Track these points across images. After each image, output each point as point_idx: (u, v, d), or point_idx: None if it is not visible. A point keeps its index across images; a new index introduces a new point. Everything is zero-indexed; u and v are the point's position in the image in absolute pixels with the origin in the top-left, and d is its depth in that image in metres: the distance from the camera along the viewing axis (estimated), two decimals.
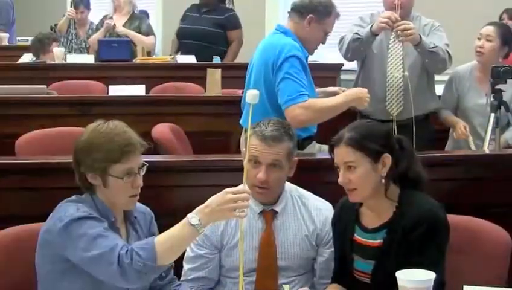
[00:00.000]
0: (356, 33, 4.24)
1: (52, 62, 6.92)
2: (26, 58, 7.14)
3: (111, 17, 7.57)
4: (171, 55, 7.35)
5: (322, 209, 2.96)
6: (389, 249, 2.57)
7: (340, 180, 2.61)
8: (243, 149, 3.11)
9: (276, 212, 2.90)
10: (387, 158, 2.59)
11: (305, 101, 3.55)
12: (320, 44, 3.94)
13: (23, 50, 7.53)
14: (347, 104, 3.66)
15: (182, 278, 2.91)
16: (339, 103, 3.66)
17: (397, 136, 2.71)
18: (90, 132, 2.56)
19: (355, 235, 2.69)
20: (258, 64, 3.76)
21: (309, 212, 2.94)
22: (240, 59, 7.09)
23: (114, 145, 2.49)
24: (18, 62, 7.04)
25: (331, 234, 2.86)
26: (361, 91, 3.71)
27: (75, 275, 2.48)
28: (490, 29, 4.38)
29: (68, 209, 2.48)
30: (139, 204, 2.67)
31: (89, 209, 2.50)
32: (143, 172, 2.58)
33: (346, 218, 2.74)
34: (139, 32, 7.47)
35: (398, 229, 2.56)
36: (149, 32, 7.61)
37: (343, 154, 2.59)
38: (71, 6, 7.87)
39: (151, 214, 2.76)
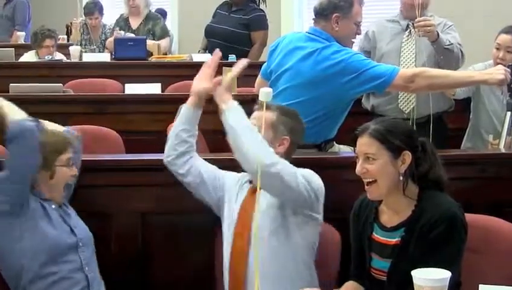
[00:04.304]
0: None
1: (69, 60, 6.94)
2: (28, 56, 7.07)
3: (126, 18, 7.56)
4: (199, 51, 7.34)
5: None
6: (406, 248, 2.57)
7: (357, 169, 2.65)
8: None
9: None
10: (408, 155, 2.61)
11: (399, 70, 3.63)
12: (356, 35, 3.87)
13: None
14: (475, 77, 3.77)
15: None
16: (461, 73, 3.80)
17: (421, 139, 2.71)
18: None
19: (374, 233, 2.70)
20: (308, 71, 3.66)
21: None
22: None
23: (59, 138, 2.83)
24: (21, 61, 6.94)
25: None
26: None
27: (32, 234, 2.72)
28: (509, 40, 4.23)
29: None
30: None
31: None
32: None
33: (365, 216, 2.75)
34: (153, 35, 7.43)
35: (416, 228, 2.57)
36: (163, 34, 7.56)
37: (365, 144, 2.63)
38: (84, 13, 7.83)
39: None
